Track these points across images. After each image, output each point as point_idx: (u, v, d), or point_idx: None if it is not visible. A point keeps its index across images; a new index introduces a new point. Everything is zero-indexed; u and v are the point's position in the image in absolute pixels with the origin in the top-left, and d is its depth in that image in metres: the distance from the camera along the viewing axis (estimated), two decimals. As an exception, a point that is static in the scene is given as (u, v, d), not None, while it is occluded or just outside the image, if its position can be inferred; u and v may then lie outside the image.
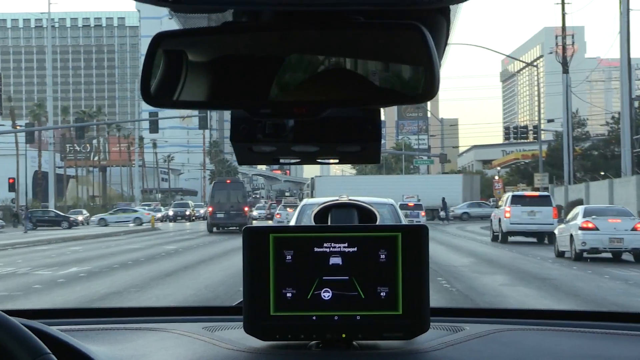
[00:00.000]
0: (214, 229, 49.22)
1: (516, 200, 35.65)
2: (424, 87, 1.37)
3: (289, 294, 1.88)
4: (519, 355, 1.88)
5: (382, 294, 1.87)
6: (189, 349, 1.91)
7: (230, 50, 1.41)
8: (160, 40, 1.41)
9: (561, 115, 59.12)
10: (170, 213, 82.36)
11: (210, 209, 49.47)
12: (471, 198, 72.10)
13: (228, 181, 51.70)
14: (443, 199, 64.30)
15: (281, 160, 1.71)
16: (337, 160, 1.73)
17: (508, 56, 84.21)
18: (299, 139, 1.54)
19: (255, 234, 1.89)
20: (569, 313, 2.38)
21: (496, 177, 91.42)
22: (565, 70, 55.00)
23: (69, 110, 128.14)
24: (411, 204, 56.70)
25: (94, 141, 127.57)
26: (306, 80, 1.40)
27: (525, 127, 68.05)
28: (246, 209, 49.33)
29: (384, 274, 1.87)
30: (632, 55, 45.53)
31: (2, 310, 1.48)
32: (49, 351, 1.43)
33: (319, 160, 1.71)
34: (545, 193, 42.04)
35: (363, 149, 1.61)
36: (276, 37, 1.39)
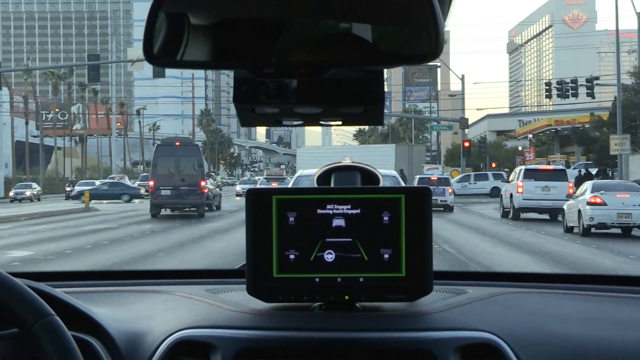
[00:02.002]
0: (161, 211, 33.90)
1: (529, 174, 32.97)
2: (429, 46, 1.35)
3: (291, 256, 1.83)
4: (522, 317, 1.85)
5: (385, 256, 1.82)
6: (192, 311, 1.87)
7: (234, 10, 1.40)
8: (162, 0, 1.38)
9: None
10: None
11: (151, 183, 33.94)
12: (410, 170, 61.44)
13: (177, 143, 34.62)
14: (401, 171, 51.67)
15: (284, 122, 1.64)
16: (340, 122, 1.64)
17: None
18: (302, 100, 1.49)
19: (258, 196, 1.83)
20: (572, 277, 2.35)
21: (520, 147, 76.87)
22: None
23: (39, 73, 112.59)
24: (434, 177, 41.13)
25: (73, 108, 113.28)
26: (309, 41, 1.39)
27: (575, 80, 52.25)
28: (203, 183, 33.77)
29: (387, 236, 1.82)
30: None
31: (9, 273, 1.48)
32: (53, 312, 1.44)
33: (321, 122, 1.63)
34: (561, 167, 38.70)
35: (366, 111, 1.56)
36: None
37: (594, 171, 47.76)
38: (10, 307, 1.42)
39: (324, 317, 1.83)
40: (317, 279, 1.83)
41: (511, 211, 32.71)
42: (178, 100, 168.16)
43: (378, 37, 1.37)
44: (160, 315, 1.88)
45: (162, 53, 1.39)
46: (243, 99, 1.48)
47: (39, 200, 62.70)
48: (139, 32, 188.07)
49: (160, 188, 32.95)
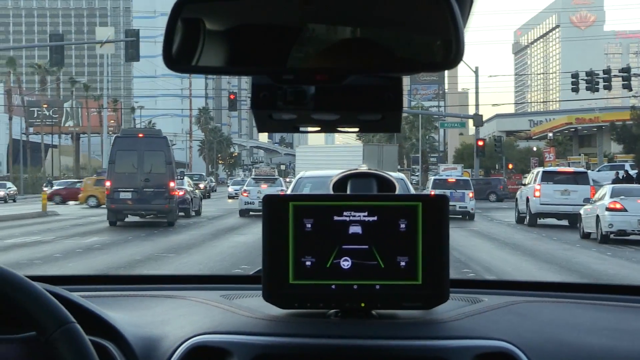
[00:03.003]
0: (122, 219, 27.50)
1: (547, 177, 30.57)
2: (449, 53, 1.33)
3: (308, 263, 1.81)
4: (537, 327, 1.83)
5: (401, 263, 1.80)
6: (207, 316, 1.86)
7: (253, 16, 1.40)
8: (182, 6, 1.39)
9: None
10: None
11: (108, 183, 27.28)
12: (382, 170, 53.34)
13: (140, 135, 27.94)
14: None
15: (301, 129, 1.63)
16: (357, 129, 1.63)
17: None
18: (319, 106, 1.49)
19: (275, 202, 1.81)
20: (587, 286, 2.35)
21: (534, 148, 70.40)
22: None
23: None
24: (452, 179, 34.55)
25: (66, 105, 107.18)
26: (328, 47, 1.38)
27: (608, 70, 45.70)
28: (172, 184, 27.00)
29: (403, 243, 1.80)
30: None
31: (26, 276, 1.47)
32: (74, 320, 1.44)
33: (339, 129, 1.62)
34: (582, 169, 35.71)
35: (383, 118, 1.54)
36: (299, 2, 1.38)
37: (633, 172, 41.26)
38: (30, 313, 1.41)
39: (340, 324, 1.81)
40: (333, 286, 1.80)
41: (527, 216, 30.12)
42: (178, 98, 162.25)
43: (397, 43, 1.37)
44: (176, 320, 1.85)
45: (181, 58, 1.38)
46: (260, 104, 1.47)
47: (14, 201, 56.72)
48: (137, 27, 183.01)
49: (119, 190, 26.55)
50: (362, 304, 1.81)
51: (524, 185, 32.76)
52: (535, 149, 78.53)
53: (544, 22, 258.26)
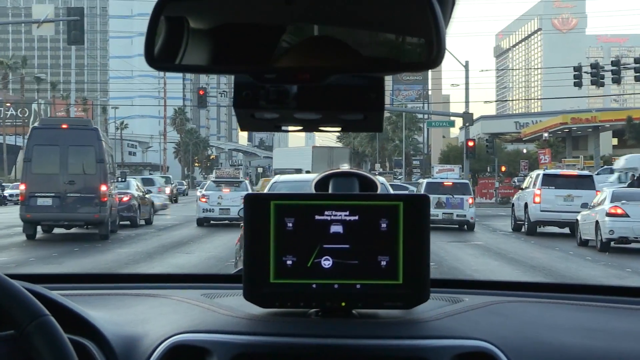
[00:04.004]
0: (49, 230, 21.91)
1: (549, 180, 26.69)
2: (430, 54, 1.33)
3: (289, 262, 1.79)
4: (517, 327, 1.84)
5: (382, 263, 1.78)
6: (188, 315, 1.84)
7: (235, 15, 1.40)
8: (164, 4, 1.38)
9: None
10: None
11: (22, 187, 21.24)
12: None
13: (64, 126, 21.73)
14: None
15: (283, 128, 1.62)
16: (339, 129, 1.63)
17: None
18: (301, 106, 1.48)
19: (256, 201, 1.79)
20: (568, 286, 2.32)
21: (525, 150, 65.33)
22: None
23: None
24: (449, 182, 28.91)
25: (34, 105, 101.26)
26: (310, 46, 1.39)
27: (617, 61, 40.49)
28: (104, 188, 21.25)
29: (384, 243, 1.78)
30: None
31: (6, 274, 1.47)
32: (47, 313, 1.43)
33: (321, 128, 1.62)
34: (587, 172, 31.69)
35: (365, 118, 1.54)
36: (281, 1, 1.37)
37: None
38: (5, 308, 1.41)
39: (320, 323, 1.80)
40: (314, 285, 1.79)
41: (525, 224, 26.82)
42: (155, 99, 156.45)
43: (379, 43, 1.37)
44: (156, 319, 1.84)
45: (164, 57, 1.38)
46: (243, 103, 1.46)
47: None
48: (114, 27, 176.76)
49: (37, 195, 20.84)
50: (343, 304, 1.79)
51: (522, 189, 29.14)
52: (525, 151, 73.51)
53: (525, 25, 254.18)
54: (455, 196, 27.09)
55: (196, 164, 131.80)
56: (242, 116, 1.51)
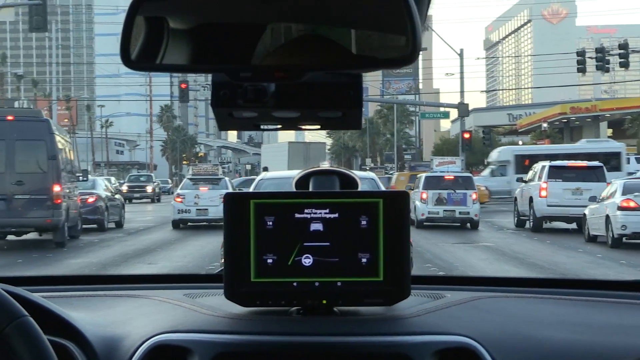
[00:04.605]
0: (2, 237, 19.11)
1: (555, 172, 24.51)
2: (405, 51, 1.34)
3: (269, 260, 1.80)
4: (499, 322, 1.85)
5: (363, 260, 1.80)
6: (169, 315, 1.85)
7: (212, 14, 1.39)
8: (139, 3, 1.37)
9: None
10: None
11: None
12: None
13: (9, 117, 18.77)
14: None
15: (262, 127, 1.62)
16: (318, 127, 1.64)
17: None
18: (279, 104, 1.49)
19: (235, 200, 1.80)
20: (549, 281, 2.31)
21: (520, 142, 62.74)
22: None
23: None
24: (450, 176, 26.08)
25: (16, 103, 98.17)
26: (287, 45, 1.40)
27: (624, 44, 37.80)
28: (57, 188, 18.43)
29: (365, 240, 1.80)
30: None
31: None
32: (26, 314, 1.42)
33: (300, 127, 1.63)
34: (597, 163, 27.16)
35: (344, 115, 1.55)
36: (257, 1, 1.38)
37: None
38: None
39: (302, 321, 1.81)
40: (294, 284, 1.80)
41: (530, 220, 24.74)
42: (142, 97, 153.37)
43: (355, 41, 1.37)
44: (138, 319, 1.84)
45: (140, 57, 1.37)
46: (220, 102, 1.46)
47: None
48: (100, 27, 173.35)
49: (-22, 197, 17.97)
50: (324, 301, 1.80)
51: (525, 182, 26.90)
52: (521, 143, 70.85)
53: (515, 17, 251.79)
54: (457, 191, 24.37)
55: (184, 162, 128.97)
56: (220, 115, 1.50)
